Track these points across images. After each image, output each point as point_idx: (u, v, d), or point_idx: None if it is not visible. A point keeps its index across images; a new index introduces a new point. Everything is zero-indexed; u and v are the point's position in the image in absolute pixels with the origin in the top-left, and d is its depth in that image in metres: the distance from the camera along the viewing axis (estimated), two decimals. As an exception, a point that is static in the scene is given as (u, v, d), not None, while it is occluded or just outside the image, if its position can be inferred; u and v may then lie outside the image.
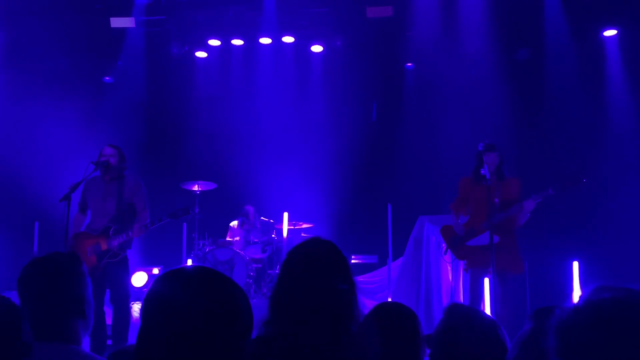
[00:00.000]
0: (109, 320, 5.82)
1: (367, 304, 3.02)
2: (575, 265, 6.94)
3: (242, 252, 8.22)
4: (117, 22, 9.01)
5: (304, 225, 8.76)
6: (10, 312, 2.20)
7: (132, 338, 5.78)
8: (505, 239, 5.77)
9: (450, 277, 7.17)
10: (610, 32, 8.80)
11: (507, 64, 9.01)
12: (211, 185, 8.47)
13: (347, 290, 2.22)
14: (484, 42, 8.83)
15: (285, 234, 8.24)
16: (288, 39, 9.54)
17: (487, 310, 5.93)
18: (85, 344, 2.35)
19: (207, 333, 1.39)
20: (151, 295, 1.46)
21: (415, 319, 2.60)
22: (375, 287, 8.60)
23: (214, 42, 9.68)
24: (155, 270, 9.17)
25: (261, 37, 9.52)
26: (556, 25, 8.52)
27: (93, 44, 9.37)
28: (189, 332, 1.38)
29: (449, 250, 6.22)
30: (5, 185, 8.80)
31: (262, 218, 8.94)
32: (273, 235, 8.66)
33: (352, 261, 9.12)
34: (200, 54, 9.95)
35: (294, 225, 8.56)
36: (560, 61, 8.66)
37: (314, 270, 2.21)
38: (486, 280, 5.94)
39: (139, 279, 8.79)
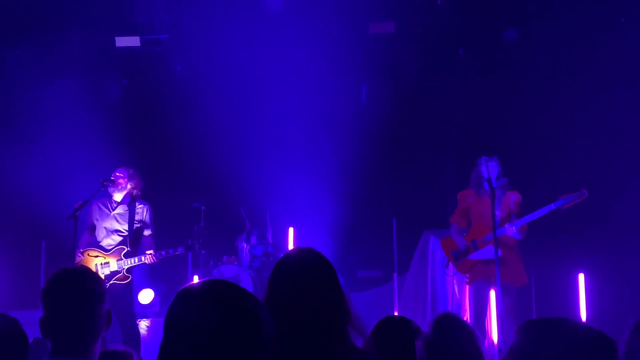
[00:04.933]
0: None
1: (372, 319, 3.03)
2: (581, 277, 6.94)
3: (247, 268, 8.24)
4: (122, 42, 9.10)
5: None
6: (17, 333, 2.24)
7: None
8: (507, 252, 5.78)
9: (456, 291, 7.17)
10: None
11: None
12: (216, 202, 8.50)
13: (334, 297, 2.22)
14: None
15: (290, 248, 8.26)
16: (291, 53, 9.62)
17: (494, 324, 5.93)
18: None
19: (231, 349, 1.40)
20: (173, 313, 1.47)
21: (419, 331, 2.63)
22: (381, 301, 8.59)
23: (218, 59, 9.73)
24: (162, 288, 9.19)
25: (264, 51, 9.58)
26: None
27: (98, 63, 9.45)
28: (213, 349, 1.39)
29: (450, 263, 6.23)
30: (13, 204, 8.84)
31: (266, 235, 8.96)
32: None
33: (358, 276, 9.13)
34: (203, 71, 10.00)
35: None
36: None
37: (299, 279, 2.21)
38: (492, 293, 5.95)
39: (145, 296, 8.80)
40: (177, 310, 1.47)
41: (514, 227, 5.72)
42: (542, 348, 1.48)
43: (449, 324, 2.53)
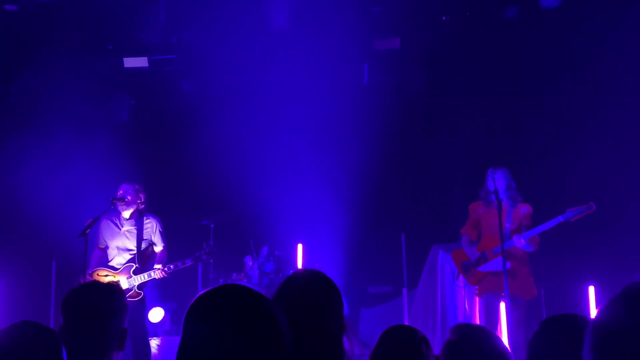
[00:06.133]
0: None
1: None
2: (591, 289, 6.92)
3: (257, 286, 8.24)
4: (130, 62, 9.20)
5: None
6: (52, 343, 2.29)
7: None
8: (517, 264, 5.79)
9: (466, 305, 7.15)
10: None
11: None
12: (225, 219, 8.53)
13: (334, 320, 2.23)
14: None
15: (300, 265, 8.27)
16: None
17: (504, 336, 5.91)
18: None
19: (252, 353, 1.41)
20: (194, 315, 1.49)
21: (426, 342, 2.63)
22: (391, 316, 8.57)
23: (225, 78, 9.80)
24: (172, 306, 9.19)
25: (271, 70, 9.64)
26: None
27: (107, 84, 9.55)
28: (233, 352, 1.40)
29: (460, 275, 6.24)
30: (23, 225, 8.90)
31: (275, 252, 8.97)
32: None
33: (368, 291, 9.12)
34: (211, 90, 10.06)
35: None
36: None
37: (301, 300, 2.23)
38: (502, 305, 5.94)
39: (155, 315, 8.81)
40: (198, 312, 1.48)
41: (522, 239, 5.73)
42: (560, 342, 1.52)
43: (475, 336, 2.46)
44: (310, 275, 2.34)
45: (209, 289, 1.54)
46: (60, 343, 2.29)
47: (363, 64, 9.37)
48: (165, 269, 6.02)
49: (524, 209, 5.98)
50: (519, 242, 5.72)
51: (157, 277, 6.04)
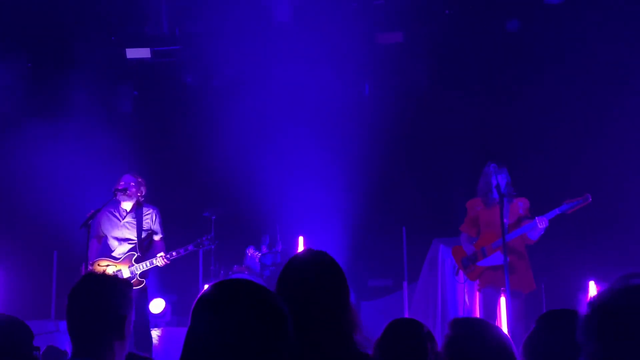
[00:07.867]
0: None
1: (383, 327, 3.04)
2: (592, 284, 6.92)
3: (259, 277, 8.26)
4: (132, 53, 9.20)
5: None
6: (22, 331, 2.31)
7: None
8: (515, 258, 5.80)
9: (466, 299, 7.16)
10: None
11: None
12: (227, 211, 8.54)
13: (340, 297, 2.21)
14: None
15: (301, 250, 8.28)
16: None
17: (504, 330, 5.92)
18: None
19: (259, 342, 1.44)
20: (203, 304, 1.51)
21: (432, 339, 2.64)
22: (391, 310, 8.59)
23: (228, 70, 9.79)
24: (173, 297, 9.22)
25: (274, 63, 9.64)
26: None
27: (109, 75, 9.55)
28: (241, 342, 1.42)
29: (460, 270, 6.25)
30: (25, 215, 8.92)
31: (277, 245, 8.99)
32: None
33: (368, 285, 9.14)
34: (213, 82, 10.06)
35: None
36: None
37: (306, 278, 2.21)
38: (502, 300, 5.96)
39: (156, 305, 8.84)
40: (206, 304, 1.51)
41: (545, 219, 5.69)
42: (558, 336, 1.52)
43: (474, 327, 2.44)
44: (312, 255, 2.30)
45: (217, 281, 1.56)
46: (30, 335, 2.32)
47: (363, 59, 9.37)
48: (168, 255, 6.05)
49: (522, 203, 6.00)
50: (542, 222, 5.68)
51: (159, 265, 6.06)
